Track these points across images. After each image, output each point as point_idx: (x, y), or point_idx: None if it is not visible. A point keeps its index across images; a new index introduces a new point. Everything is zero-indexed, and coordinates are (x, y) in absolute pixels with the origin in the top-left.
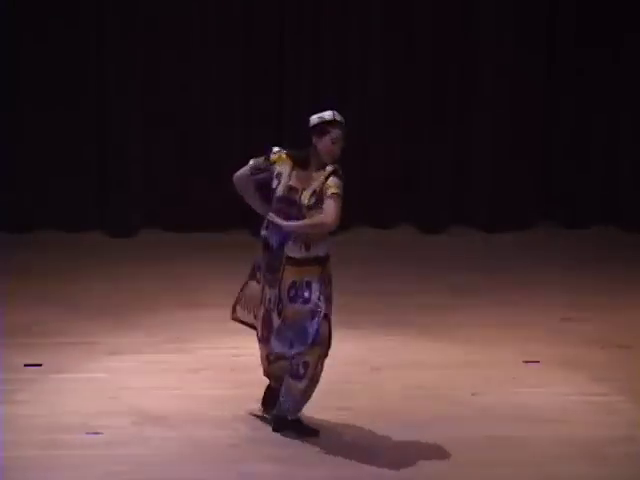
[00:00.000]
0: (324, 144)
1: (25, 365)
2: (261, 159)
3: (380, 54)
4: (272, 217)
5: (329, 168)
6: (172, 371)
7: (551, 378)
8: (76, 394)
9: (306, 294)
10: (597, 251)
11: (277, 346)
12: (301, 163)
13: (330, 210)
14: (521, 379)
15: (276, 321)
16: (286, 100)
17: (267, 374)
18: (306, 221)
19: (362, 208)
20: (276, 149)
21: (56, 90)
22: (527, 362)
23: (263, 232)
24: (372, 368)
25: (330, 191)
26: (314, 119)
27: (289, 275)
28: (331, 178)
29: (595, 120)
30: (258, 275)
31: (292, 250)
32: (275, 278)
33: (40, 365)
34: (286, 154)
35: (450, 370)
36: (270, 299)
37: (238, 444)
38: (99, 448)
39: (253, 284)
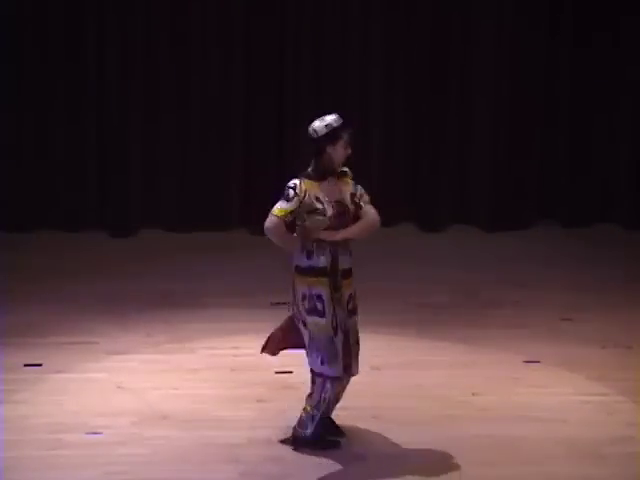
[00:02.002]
0: (338, 150)
1: (25, 365)
2: (292, 201)
3: (380, 54)
4: (326, 235)
5: (349, 174)
6: (172, 371)
7: (551, 378)
8: (76, 394)
9: (319, 306)
10: (597, 250)
11: (357, 369)
12: (319, 178)
13: (374, 211)
14: (521, 379)
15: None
16: (286, 100)
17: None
18: (361, 224)
19: None
20: (297, 181)
21: (56, 90)
22: (527, 362)
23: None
24: (372, 368)
25: (366, 198)
26: (322, 128)
27: (297, 285)
28: (359, 186)
29: (595, 119)
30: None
31: (298, 259)
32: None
33: (40, 365)
34: (307, 178)
35: (450, 370)
36: (344, 322)
37: (238, 444)
38: (99, 448)
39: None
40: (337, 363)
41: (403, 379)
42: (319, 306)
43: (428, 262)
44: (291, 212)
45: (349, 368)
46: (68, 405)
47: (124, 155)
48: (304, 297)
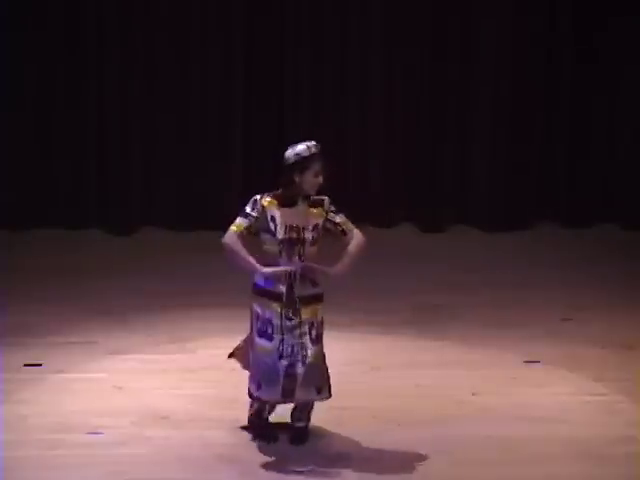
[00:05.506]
0: (307, 179)
1: (25, 365)
2: (252, 215)
3: (380, 54)
4: (311, 267)
5: (325, 204)
6: (172, 371)
7: (551, 378)
8: (76, 394)
9: (269, 330)
10: (597, 250)
11: (301, 395)
12: (287, 202)
13: (360, 235)
14: (521, 379)
15: (300, 369)
16: (286, 100)
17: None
18: (352, 254)
19: (363, 207)
20: (258, 196)
21: (56, 89)
22: (527, 362)
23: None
24: (372, 368)
25: (350, 225)
26: (291, 157)
27: (305, 316)
28: (339, 215)
29: (595, 119)
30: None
31: (302, 289)
32: (294, 324)
33: (40, 365)
34: (272, 197)
35: (450, 370)
36: (292, 349)
37: (238, 444)
38: (99, 448)
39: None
40: (274, 388)
41: (403, 379)
42: (269, 330)
43: (428, 262)
44: (247, 228)
45: (291, 394)
46: (68, 405)
47: (124, 155)
48: (257, 318)
